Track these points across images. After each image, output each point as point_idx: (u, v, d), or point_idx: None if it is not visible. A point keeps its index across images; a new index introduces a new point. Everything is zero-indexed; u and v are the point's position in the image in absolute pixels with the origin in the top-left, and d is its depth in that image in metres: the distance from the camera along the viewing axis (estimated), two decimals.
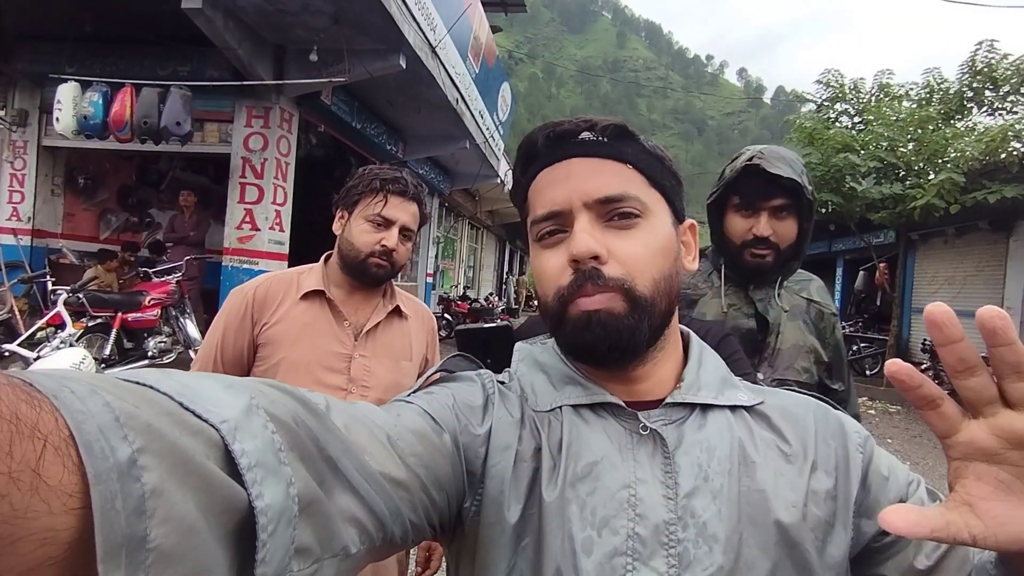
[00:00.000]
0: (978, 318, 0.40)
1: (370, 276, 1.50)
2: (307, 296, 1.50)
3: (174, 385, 0.35)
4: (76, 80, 5.65)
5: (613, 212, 0.62)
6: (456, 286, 15.75)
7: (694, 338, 0.72)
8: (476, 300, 14.32)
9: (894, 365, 0.44)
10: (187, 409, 0.34)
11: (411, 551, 1.86)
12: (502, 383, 0.70)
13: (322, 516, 0.41)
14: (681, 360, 0.69)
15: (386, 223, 1.48)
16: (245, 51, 5.63)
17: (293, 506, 0.37)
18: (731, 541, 0.57)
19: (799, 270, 1.56)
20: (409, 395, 0.65)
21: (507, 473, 0.61)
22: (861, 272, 13.45)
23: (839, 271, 16.29)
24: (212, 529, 0.32)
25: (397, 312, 1.60)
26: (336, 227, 1.56)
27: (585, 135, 0.64)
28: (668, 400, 0.64)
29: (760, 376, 1.43)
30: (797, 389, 1.23)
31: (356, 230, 1.49)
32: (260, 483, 0.35)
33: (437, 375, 0.71)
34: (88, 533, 0.27)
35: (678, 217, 0.68)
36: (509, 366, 0.74)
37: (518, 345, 0.76)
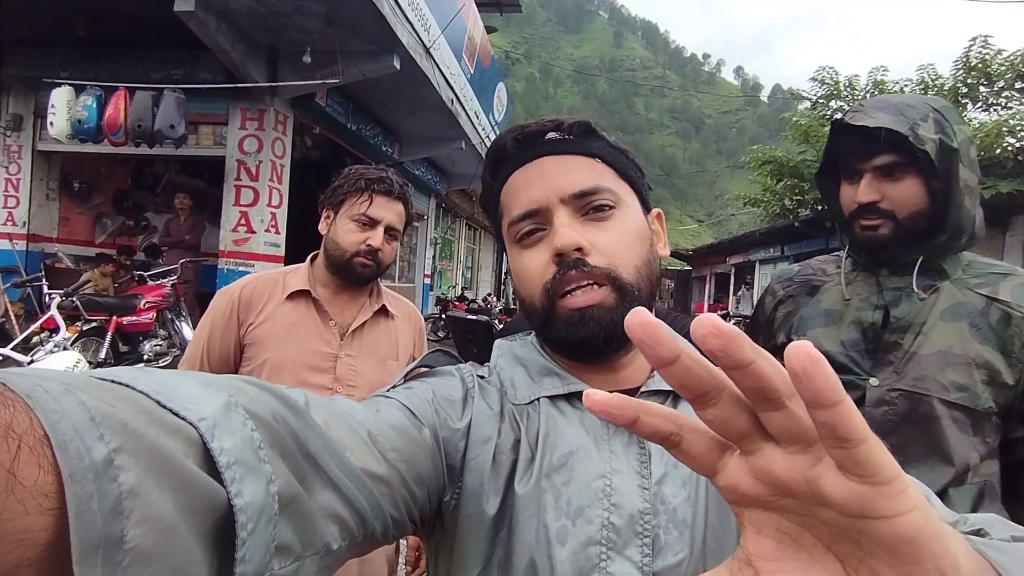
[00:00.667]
0: (692, 333, 0.27)
1: (356, 275, 1.51)
2: (293, 296, 1.51)
3: (151, 383, 0.35)
4: (70, 84, 5.65)
5: (589, 205, 0.63)
6: (454, 287, 15.75)
7: None
8: (474, 301, 14.33)
9: (588, 399, 0.31)
10: (164, 407, 0.34)
11: (400, 551, 1.87)
12: (482, 378, 0.71)
13: (303, 513, 0.41)
14: None
15: (371, 223, 1.49)
16: (238, 53, 5.63)
17: (273, 504, 0.37)
18: (699, 525, 0.59)
19: (994, 261, 1.22)
20: (388, 391, 0.66)
21: (486, 466, 0.62)
22: None
23: None
24: (191, 529, 0.32)
25: (383, 312, 1.60)
26: (322, 227, 1.56)
27: (552, 135, 0.66)
28: (644, 389, 0.65)
29: (874, 382, 1.12)
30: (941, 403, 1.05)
31: (341, 230, 1.49)
32: (239, 481, 0.35)
33: (417, 371, 0.71)
34: (65, 534, 0.26)
35: (646, 207, 0.70)
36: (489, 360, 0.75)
37: (497, 342, 0.77)
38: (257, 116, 6.35)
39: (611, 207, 0.64)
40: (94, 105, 5.56)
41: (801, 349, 0.25)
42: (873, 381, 1.13)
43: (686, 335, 0.79)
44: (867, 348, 1.17)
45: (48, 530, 0.27)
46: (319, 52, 5.82)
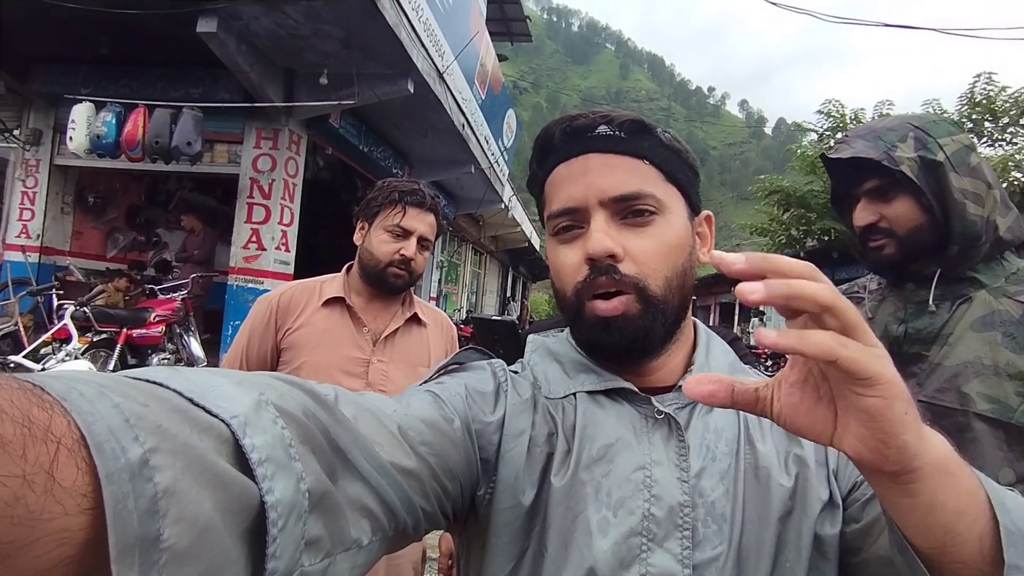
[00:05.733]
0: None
1: (389, 285, 1.56)
2: (328, 303, 1.57)
3: (183, 382, 0.36)
4: (91, 100, 5.75)
5: (628, 210, 0.62)
6: (459, 310, 15.74)
7: (701, 326, 0.74)
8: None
9: (687, 388, 0.44)
10: (197, 405, 0.35)
11: (427, 559, 1.86)
12: (515, 372, 0.71)
13: (333, 509, 0.41)
14: (691, 348, 0.70)
15: (404, 233, 1.54)
16: (256, 74, 5.73)
17: (303, 501, 0.38)
18: (737, 519, 0.59)
19: None
20: (420, 385, 0.66)
21: (521, 459, 0.62)
22: None
23: None
24: (228, 527, 0.32)
25: (415, 319, 1.65)
26: (357, 238, 1.61)
27: (602, 129, 0.64)
28: (680, 384, 0.65)
29: None
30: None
31: (376, 240, 1.54)
32: (271, 478, 0.36)
33: (449, 367, 0.72)
34: (103, 533, 0.27)
35: (694, 209, 0.68)
36: (519, 357, 0.76)
37: (531, 337, 0.77)
38: (272, 136, 6.44)
39: (651, 213, 0.63)
40: (113, 121, 5.65)
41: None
42: None
43: (731, 342, 0.79)
44: (896, 359, 1.15)
45: (86, 529, 0.28)
46: (335, 75, 5.92)
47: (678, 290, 0.63)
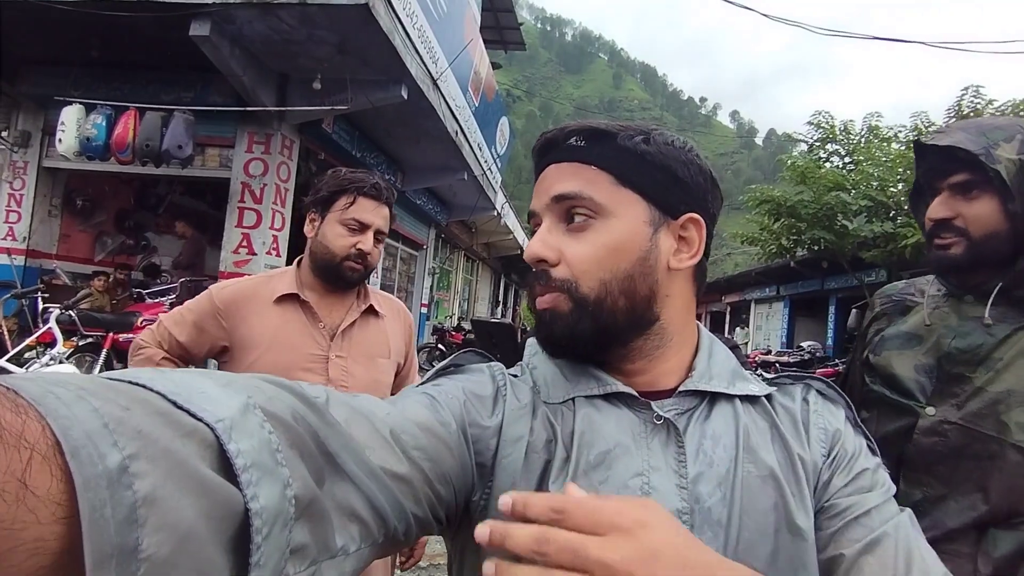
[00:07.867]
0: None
1: (344, 279, 1.52)
2: (281, 300, 1.52)
3: (168, 384, 0.35)
4: (81, 103, 5.72)
5: (570, 213, 0.64)
6: (451, 316, 15.72)
7: (704, 332, 0.74)
8: (470, 332, 14.29)
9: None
10: (181, 408, 0.34)
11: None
12: (515, 376, 0.70)
13: (320, 516, 0.40)
14: (692, 353, 0.70)
15: (361, 227, 1.50)
16: (249, 78, 5.72)
17: (289, 508, 0.36)
18: (733, 525, 0.58)
19: None
20: (417, 387, 0.66)
21: (518, 465, 0.61)
22: (854, 310, 13.51)
23: (832, 309, 16.43)
24: (211, 535, 0.31)
25: (372, 311, 1.61)
26: (308, 230, 1.57)
27: (570, 140, 0.67)
28: (681, 388, 0.65)
29: (930, 411, 1.08)
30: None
31: (331, 234, 1.50)
32: (255, 484, 0.34)
33: (447, 369, 0.71)
34: (80, 542, 0.26)
35: (669, 212, 0.65)
36: (516, 360, 0.75)
37: (530, 340, 0.76)
38: (264, 140, 6.42)
39: (589, 217, 0.63)
40: (104, 124, 5.62)
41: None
42: (929, 410, 1.08)
43: (732, 349, 0.79)
44: (939, 376, 1.11)
45: (62, 539, 0.27)
46: (329, 80, 5.92)
47: (622, 294, 0.62)
